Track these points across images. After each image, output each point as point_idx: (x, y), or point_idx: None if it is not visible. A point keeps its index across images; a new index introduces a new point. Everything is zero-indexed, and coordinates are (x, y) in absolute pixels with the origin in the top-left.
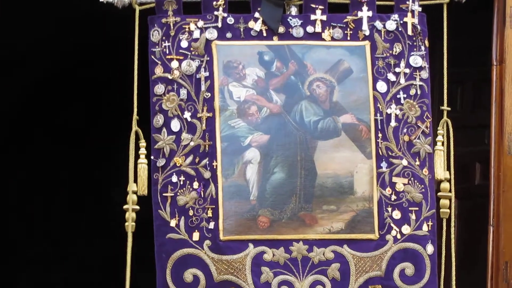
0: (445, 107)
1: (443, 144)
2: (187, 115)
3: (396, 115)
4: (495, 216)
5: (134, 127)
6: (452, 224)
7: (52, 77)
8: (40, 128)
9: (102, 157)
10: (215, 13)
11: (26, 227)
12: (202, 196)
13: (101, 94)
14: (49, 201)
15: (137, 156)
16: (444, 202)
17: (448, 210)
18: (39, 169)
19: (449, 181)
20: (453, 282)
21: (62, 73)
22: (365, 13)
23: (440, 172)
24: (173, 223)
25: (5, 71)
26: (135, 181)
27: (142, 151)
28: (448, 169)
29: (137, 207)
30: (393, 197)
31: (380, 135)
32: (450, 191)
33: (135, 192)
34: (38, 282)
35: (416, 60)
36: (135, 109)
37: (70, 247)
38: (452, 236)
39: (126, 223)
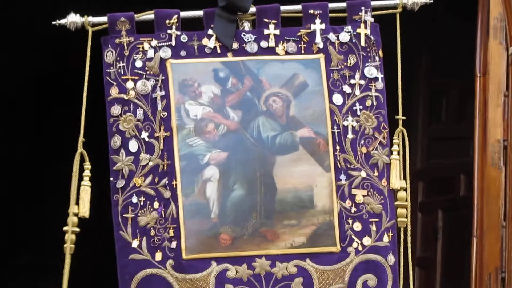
0: (400, 117)
1: (398, 154)
2: (144, 135)
3: (353, 127)
4: (478, 227)
5: (80, 148)
6: (409, 233)
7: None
8: (23, 142)
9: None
10: (168, 31)
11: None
12: (163, 215)
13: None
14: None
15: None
16: (401, 211)
17: (406, 219)
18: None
19: (406, 190)
20: None
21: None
22: (318, 25)
23: (395, 181)
24: (135, 244)
25: None
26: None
27: (86, 173)
28: (405, 178)
29: (77, 229)
30: (353, 209)
31: (338, 147)
32: (407, 200)
33: (75, 214)
34: None
35: (371, 71)
36: (82, 131)
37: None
38: (409, 245)
39: (65, 245)
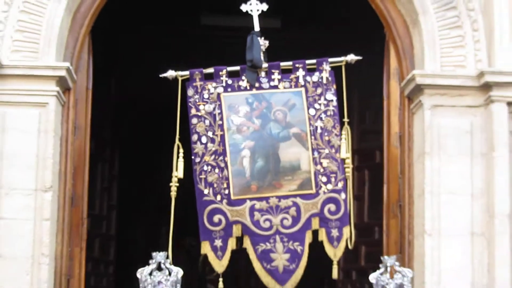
0: (345, 119)
1: (345, 139)
2: (209, 134)
3: (321, 126)
4: (387, 178)
5: (177, 141)
6: (351, 182)
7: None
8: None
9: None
10: (221, 78)
11: None
12: (221, 176)
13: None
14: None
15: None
16: (347, 170)
17: (349, 174)
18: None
19: (349, 159)
20: (351, 215)
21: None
22: (300, 72)
23: (343, 154)
24: (206, 191)
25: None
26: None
27: (181, 154)
28: (348, 152)
29: (177, 184)
30: (322, 170)
31: (312, 137)
32: (350, 164)
33: (176, 176)
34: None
35: (329, 96)
36: (177, 131)
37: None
38: (351, 187)
39: (171, 192)
